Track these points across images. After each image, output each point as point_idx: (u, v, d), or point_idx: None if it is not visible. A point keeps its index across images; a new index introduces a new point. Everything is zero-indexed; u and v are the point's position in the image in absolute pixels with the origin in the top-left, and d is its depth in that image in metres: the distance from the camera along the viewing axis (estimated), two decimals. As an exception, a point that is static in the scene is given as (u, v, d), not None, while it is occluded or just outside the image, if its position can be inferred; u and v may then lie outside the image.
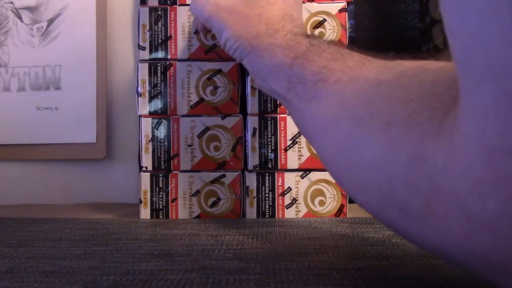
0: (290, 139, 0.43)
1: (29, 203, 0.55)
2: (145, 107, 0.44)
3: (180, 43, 0.44)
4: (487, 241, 0.15)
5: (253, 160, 0.43)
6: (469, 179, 0.15)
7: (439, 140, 0.16)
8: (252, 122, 0.43)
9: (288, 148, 0.43)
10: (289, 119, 0.43)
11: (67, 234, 0.36)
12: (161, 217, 0.43)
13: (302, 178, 0.43)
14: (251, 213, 0.43)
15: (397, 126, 0.19)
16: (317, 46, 0.28)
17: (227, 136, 0.43)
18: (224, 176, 0.43)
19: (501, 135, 0.13)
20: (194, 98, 0.43)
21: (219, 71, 0.43)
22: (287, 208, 0.43)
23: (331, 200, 0.43)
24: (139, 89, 0.44)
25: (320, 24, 0.43)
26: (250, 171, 0.43)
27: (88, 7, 0.55)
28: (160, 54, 0.44)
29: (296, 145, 0.43)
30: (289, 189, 0.43)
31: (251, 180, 0.43)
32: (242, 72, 0.44)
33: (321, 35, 0.43)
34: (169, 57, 0.44)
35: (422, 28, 0.54)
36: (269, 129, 0.43)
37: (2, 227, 0.39)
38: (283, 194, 0.43)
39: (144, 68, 0.44)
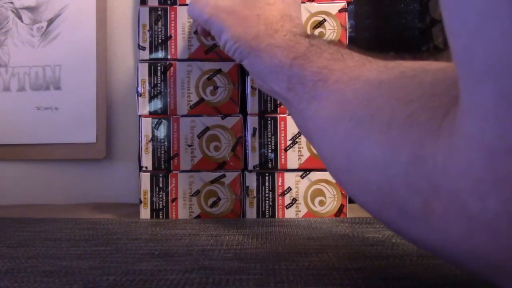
0: (290, 139, 0.43)
1: (29, 203, 0.55)
2: (145, 107, 0.44)
3: (180, 43, 0.44)
4: (487, 241, 0.15)
5: (253, 160, 0.43)
6: (469, 179, 0.15)
7: (439, 141, 0.16)
8: (252, 122, 0.43)
9: (288, 148, 0.43)
10: (289, 119, 0.43)
11: (67, 234, 0.36)
12: (161, 217, 0.43)
13: (302, 178, 0.43)
14: (251, 213, 0.43)
15: (397, 126, 0.19)
16: (316, 47, 0.28)
17: (227, 136, 0.43)
18: (224, 176, 0.43)
19: (501, 135, 0.13)
20: (194, 98, 0.43)
21: (219, 71, 0.43)
22: (287, 208, 0.43)
23: (331, 200, 0.43)
24: (139, 89, 0.44)
25: (320, 24, 0.43)
26: (250, 171, 0.43)
27: (88, 7, 0.55)
28: (160, 54, 0.44)
29: (296, 145, 0.43)
30: (289, 189, 0.43)
31: (251, 180, 0.43)
32: (242, 72, 0.44)
33: (321, 35, 0.43)
34: (169, 57, 0.44)
35: (422, 28, 0.54)
36: (269, 129, 0.43)
37: (2, 227, 0.39)
38: (283, 194, 0.43)
39: (144, 68, 0.44)
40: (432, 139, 0.17)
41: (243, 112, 0.44)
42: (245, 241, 0.33)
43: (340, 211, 0.43)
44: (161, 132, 0.43)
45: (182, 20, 0.44)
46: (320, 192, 0.43)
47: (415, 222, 0.18)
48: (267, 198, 0.43)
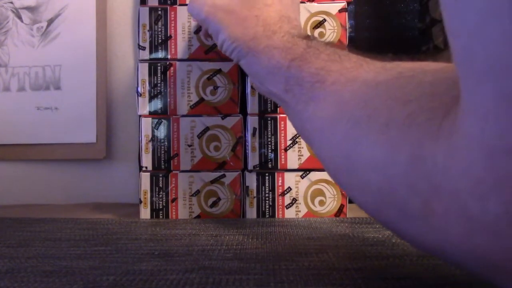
0: (290, 139, 0.43)
1: (29, 203, 0.55)
2: (145, 107, 0.44)
3: (180, 43, 0.44)
4: (487, 241, 0.15)
5: (253, 160, 0.43)
6: (469, 180, 0.15)
7: (439, 141, 0.16)
8: (252, 122, 0.43)
9: (288, 148, 0.43)
10: (289, 119, 0.43)
11: (67, 234, 0.36)
12: (161, 217, 0.43)
13: (302, 178, 0.43)
14: (251, 213, 0.43)
15: (396, 126, 0.19)
16: (314, 48, 0.28)
17: (227, 136, 0.43)
18: (224, 176, 0.43)
19: (501, 135, 0.13)
20: (194, 98, 0.43)
21: (219, 71, 0.43)
22: (287, 208, 0.43)
23: (331, 200, 0.43)
24: (139, 89, 0.44)
25: (320, 24, 0.43)
26: (250, 171, 0.43)
27: (88, 7, 0.55)
28: (160, 54, 0.44)
29: (296, 145, 0.43)
30: (289, 189, 0.43)
31: (251, 180, 0.43)
32: (242, 72, 0.44)
33: (321, 35, 0.43)
34: (169, 57, 0.44)
35: (422, 28, 0.54)
36: (269, 129, 0.43)
37: (2, 227, 0.39)
38: (283, 194, 0.43)
39: (144, 68, 0.44)
40: (432, 139, 0.17)
41: (243, 112, 0.44)
42: (245, 241, 0.33)
43: (340, 211, 0.43)
44: (161, 132, 0.43)
45: (182, 20, 0.44)
46: (320, 192, 0.43)
47: (414, 222, 0.18)
48: (267, 198, 0.43)
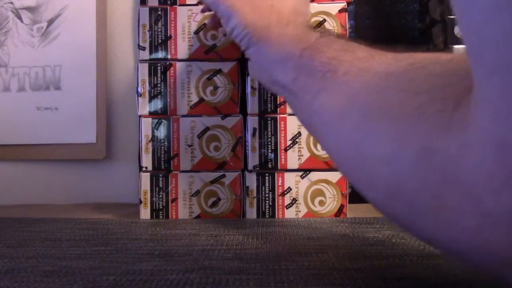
0: (290, 139, 0.43)
1: (29, 203, 0.55)
2: (145, 107, 0.44)
3: (180, 43, 0.44)
4: (500, 236, 0.15)
5: (253, 160, 0.43)
6: (482, 174, 0.14)
7: (450, 133, 0.16)
8: (252, 122, 0.43)
9: (288, 148, 0.43)
10: (289, 119, 0.43)
11: (67, 234, 0.36)
12: (161, 217, 0.43)
13: (302, 178, 0.43)
14: (251, 213, 0.43)
15: (406, 118, 0.19)
16: (327, 38, 0.28)
17: (227, 136, 0.43)
18: (224, 176, 0.43)
19: None
20: (194, 98, 0.43)
21: (219, 71, 0.43)
22: (287, 208, 0.43)
23: (331, 200, 0.43)
24: (139, 89, 0.44)
25: (320, 24, 0.43)
26: (250, 171, 0.43)
27: (88, 7, 0.55)
28: (160, 54, 0.44)
29: (296, 145, 0.43)
30: (289, 189, 0.43)
31: (251, 180, 0.43)
32: (242, 72, 0.44)
33: (321, 35, 0.43)
34: (169, 57, 0.44)
35: (422, 28, 0.54)
36: (269, 129, 0.43)
37: (2, 227, 0.39)
38: (283, 194, 0.43)
39: (144, 68, 0.44)
40: (442, 131, 0.16)
41: (243, 112, 0.44)
42: (245, 241, 0.33)
43: (340, 211, 0.43)
44: (161, 132, 0.43)
45: (182, 20, 0.44)
46: (320, 192, 0.43)
47: (424, 216, 0.18)
48: (267, 198, 0.43)
